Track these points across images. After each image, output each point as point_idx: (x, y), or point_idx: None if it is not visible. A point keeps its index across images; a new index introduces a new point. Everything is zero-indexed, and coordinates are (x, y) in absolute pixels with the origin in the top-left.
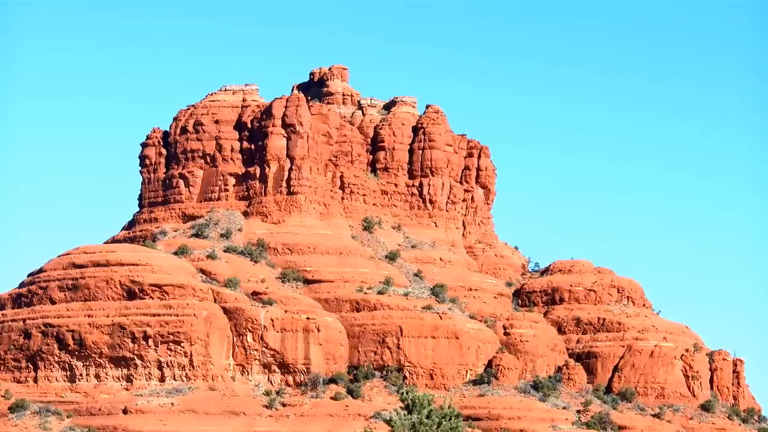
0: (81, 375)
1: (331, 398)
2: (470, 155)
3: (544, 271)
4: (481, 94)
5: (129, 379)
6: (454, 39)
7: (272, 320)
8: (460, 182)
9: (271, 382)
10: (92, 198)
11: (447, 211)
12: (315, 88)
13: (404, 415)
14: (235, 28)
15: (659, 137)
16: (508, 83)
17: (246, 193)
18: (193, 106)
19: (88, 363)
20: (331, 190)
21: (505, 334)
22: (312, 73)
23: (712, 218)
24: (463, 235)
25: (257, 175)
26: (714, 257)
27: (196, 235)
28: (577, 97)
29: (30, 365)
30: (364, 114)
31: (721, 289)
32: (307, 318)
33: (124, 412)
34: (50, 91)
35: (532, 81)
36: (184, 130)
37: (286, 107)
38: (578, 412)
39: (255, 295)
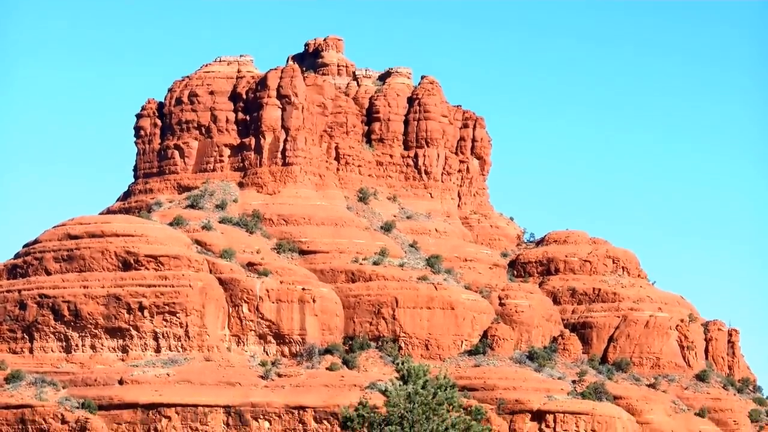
0: (77, 346)
1: (327, 369)
2: (465, 126)
3: (540, 242)
4: (477, 65)
5: (125, 349)
6: (450, 10)
7: (268, 291)
8: (456, 153)
9: (266, 352)
10: (87, 169)
11: (442, 182)
12: (310, 59)
13: (400, 385)
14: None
15: (655, 108)
16: (503, 54)
17: (241, 164)
18: (187, 77)
19: (83, 334)
20: (327, 161)
21: (501, 304)
22: (307, 44)
23: (708, 189)
24: (459, 205)
25: (252, 146)
26: (710, 228)
27: (192, 206)
28: (572, 68)
29: (25, 336)
30: (359, 85)
31: (716, 259)
32: (303, 289)
33: (120, 382)
34: (44, 63)
35: (527, 52)
36: (178, 102)
37: (281, 78)
38: (573, 382)
39: (250, 266)
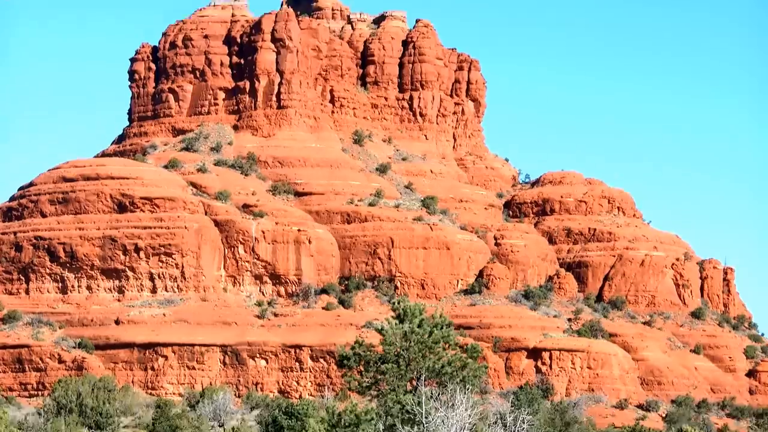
0: (73, 287)
1: (323, 308)
2: (460, 69)
3: (535, 183)
4: (471, 8)
5: (121, 290)
6: None
7: (263, 232)
8: (451, 95)
9: (262, 292)
10: (82, 113)
11: (437, 124)
12: (304, 3)
13: (395, 324)
14: None
15: (649, 48)
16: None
17: (236, 107)
18: (182, 21)
19: (79, 275)
20: (321, 104)
21: (496, 244)
22: None
23: (703, 127)
24: (454, 147)
25: (247, 90)
26: (705, 166)
27: (186, 149)
28: (567, 10)
29: (22, 277)
30: (353, 28)
31: (712, 198)
32: (298, 230)
33: (116, 323)
34: (39, 8)
35: None
36: (173, 45)
37: (275, 22)
38: (569, 320)
39: (246, 207)
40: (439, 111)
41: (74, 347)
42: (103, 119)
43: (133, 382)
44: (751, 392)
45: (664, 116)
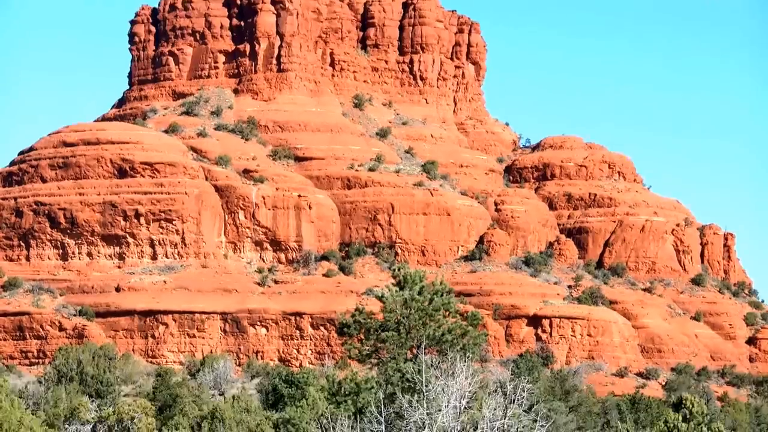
0: (73, 253)
1: (323, 275)
2: (461, 31)
3: (535, 147)
4: None
5: (121, 257)
6: None
7: (264, 198)
8: (451, 58)
9: (263, 259)
10: (82, 76)
11: (438, 87)
12: None
13: (396, 291)
14: None
15: (650, 12)
16: None
17: (236, 71)
18: None
19: (80, 241)
20: (322, 67)
21: (497, 210)
22: None
23: (704, 93)
24: (454, 111)
25: (247, 53)
26: (706, 132)
27: (187, 113)
28: None
29: (22, 243)
30: None
31: (712, 163)
32: (299, 195)
33: (117, 289)
34: None
35: None
36: (173, 8)
37: None
38: (569, 287)
39: (246, 172)
40: (439, 74)
41: (75, 315)
42: (104, 82)
43: (133, 350)
44: (751, 360)
45: (665, 81)
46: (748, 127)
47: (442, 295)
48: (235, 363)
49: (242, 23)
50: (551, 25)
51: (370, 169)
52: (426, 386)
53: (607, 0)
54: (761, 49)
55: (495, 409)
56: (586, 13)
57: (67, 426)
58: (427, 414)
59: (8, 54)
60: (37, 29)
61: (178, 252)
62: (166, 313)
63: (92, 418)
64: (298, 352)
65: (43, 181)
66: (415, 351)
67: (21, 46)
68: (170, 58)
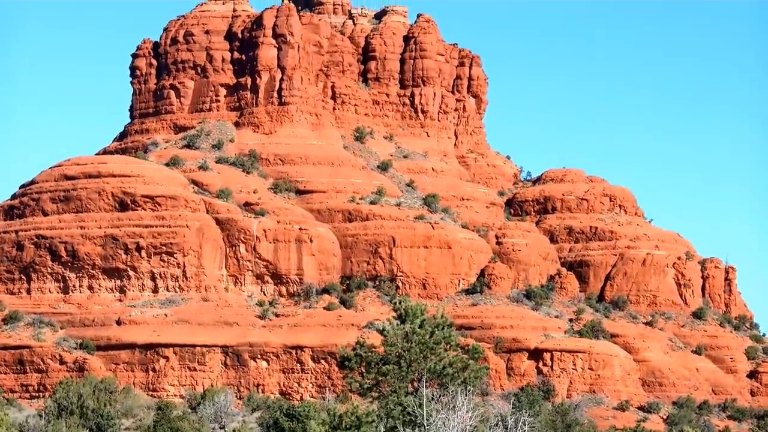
0: (74, 286)
1: (324, 308)
2: (462, 65)
3: (536, 180)
4: (473, 3)
5: (122, 290)
6: None
7: (265, 231)
8: (452, 92)
9: (264, 292)
10: (84, 109)
11: (439, 120)
12: None
13: (397, 324)
14: None
15: (651, 46)
16: None
17: (237, 104)
18: (183, 16)
19: (81, 274)
20: (323, 101)
21: (498, 243)
22: None
23: (704, 126)
24: (455, 144)
25: (248, 86)
26: (707, 165)
27: (188, 146)
28: (568, 6)
29: (23, 277)
30: (354, 24)
31: (713, 196)
32: (300, 228)
33: (118, 323)
34: (39, 3)
35: None
36: (174, 41)
37: (276, 17)
38: (570, 320)
39: (247, 205)
40: (440, 107)
41: (75, 348)
42: (105, 116)
43: (134, 383)
44: (752, 393)
45: (665, 114)
46: (748, 160)
47: (443, 329)
48: (236, 396)
49: (243, 57)
50: (553, 58)
51: (372, 203)
52: (427, 420)
53: (607, 33)
54: (761, 83)
55: None
56: (587, 47)
57: None
58: None
59: (8, 86)
60: (38, 61)
61: (179, 285)
62: (167, 346)
63: None
64: (299, 385)
65: (44, 214)
66: (416, 384)
67: (22, 79)
68: (171, 92)
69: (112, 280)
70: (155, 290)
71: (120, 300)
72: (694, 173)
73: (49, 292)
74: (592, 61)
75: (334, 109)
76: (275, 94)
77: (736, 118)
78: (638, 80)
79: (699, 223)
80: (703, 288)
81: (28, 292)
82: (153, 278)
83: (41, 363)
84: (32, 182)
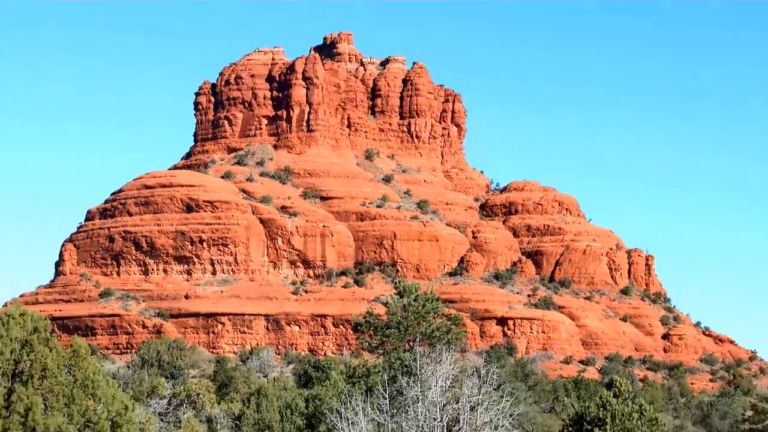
0: (152, 270)
1: (342, 287)
2: (447, 101)
3: (503, 190)
4: (455, 53)
5: (189, 272)
6: (434, 10)
7: (297, 228)
8: (439, 122)
9: (296, 274)
10: (158, 134)
11: (429, 144)
12: (327, 49)
13: (397, 299)
14: (266, 4)
15: (592, 80)
16: (477, 44)
17: (275, 131)
18: (234, 63)
19: (157, 261)
20: (340, 128)
21: (473, 237)
22: (325, 38)
23: (633, 139)
24: (441, 162)
25: (284, 117)
26: (634, 172)
27: (238, 163)
28: (534, 54)
29: (114, 262)
30: (365, 69)
31: (638, 200)
32: (323, 226)
33: (186, 297)
34: (129, 44)
35: (496, 44)
36: (227, 83)
37: (305, 65)
38: (528, 296)
39: (283, 209)
40: (430, 134)
41: (154, 316)
42: (174, 139)
43: (198, 342)
44: (665, 351)
45: (602, 130)
46: (668, 168)
47: (431, 302)
48: (275, 352)
49: (280, 95)
50: (517, 94)
51: (378, 206)
52: (419, 370)
53: (552, 77)
54: (681, 107)
55: (471, 388)
56: (541, 84)
57: (148, 400)
58: (420, 391)
59: (102, 115)
60: (125, 98)
61: (232, 269)
62: (222, 315)
63: (167, 394)
64: (323, 344)
65: (130, 215)
66: (411, 344)
67: (112, 110)
68: (225, 121)
69: (181, 265)
70: (214, 272)
71: (187, 280)
72: (625, 181)
73: (134, 274)
74: (545, 96)
75: (349, 135)
76: (304, 124)
77: (659, 130)
78: (580, 111)
79: (627, 221)
80: (629, 272)
81: (118, 274)
82: (212, 264)
83: (128, 327)
84: (120, 190)
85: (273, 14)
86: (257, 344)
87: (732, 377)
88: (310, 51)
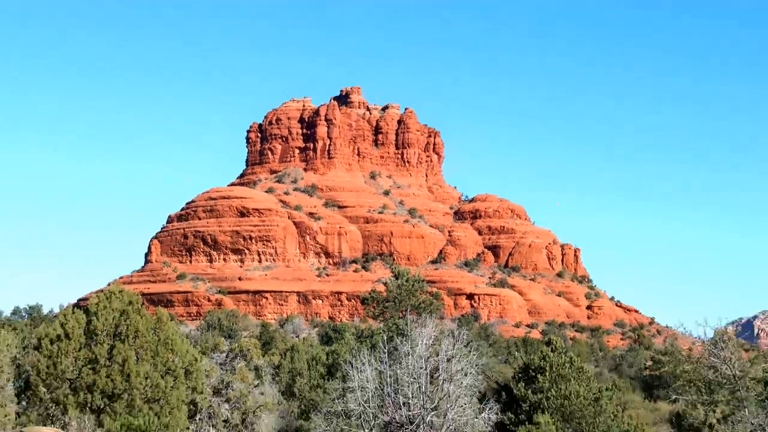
0: (215, 259)
1: (353, 271)
2: (430, 136)
3: (471, 201)
4: (437, 100)
5: (242, 261)
6: (419, 68)
7: (320, 228)
8: (424, 151)
9: (319, 263)
10: (221, 160)
11: (416, 167)
12: (343, 99)
13: (393, 280)
14: (298, 66)
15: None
16: (457, 93)
17: (305, 158)
18: (275, 109)
19: (219, 252)
20: (352, 156)
21: (449, 235)
22: (341, 90)
23: (569, 153)
24: (426, 180)
25: (311, 148)
26: (567, 186)
27: (278, 182)
28: (496, 97)
29: (187, 254)
30: (370, 113)
31: (569, 205)
32: (339, 227)
33: (239, 279)
34: (203, 96)
35: (470, 88)
36: (270, 123)
37: (327, 110)
38: (489, 278)
39: (311, 215)
40: (417, 160)
41: (216, 293)
42: (230, 164)
43: (248, 312)
44: (588, 317)
45: (548, 146)
46: (593, 180)
47: (418, 282)
48: (305, 320)
49: (308, 132)
50: (481, 131)
51: (379, 213)
52: (409, 332)
53: (508, 107)
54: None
55: (448, 345)
56: (504, 120)
57: (211, 354)
58: (410, 348)
59: (175, 146)
60: (196, 132)
61: (273, 258)
62: (266, 292)
63: (225, 349)
64: (339, 313)
65: (199, 219)
66: (403, 313)
67: (184, 142)
68: (268, 151)
69: (236, 256)
70: (260, 261)
71: (240, 266)
72: (560, 193)
73: (201, 262)
74: (504, 131)
75: (358, 161)
76: (326, 153)
77: (593, 141)
78: (531, 137)
79: (561, 223)
80: (562, 260)
81: (190, 262)
82: (258, 255)
83: (197, 301)
84: (192, 201)
85: (303, 70)
86: (291, 313)
87: (636, 337)
88: (330, 100)
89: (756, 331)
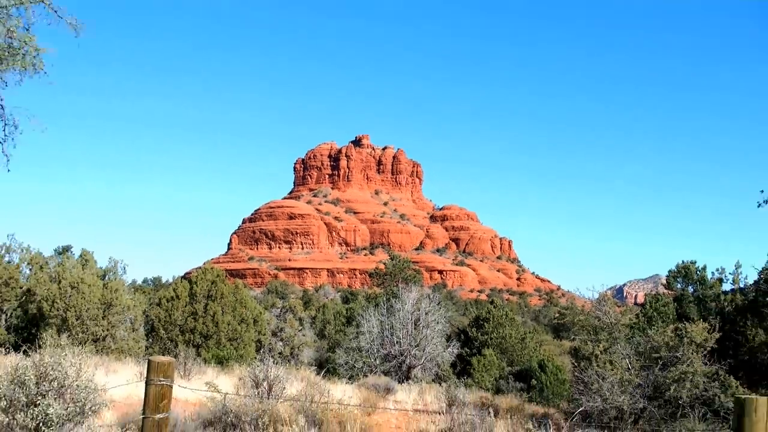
0: (273, 247)
1: (364, 255)
2: (414, 166)
3: (441, 209)
4: (420, 139)
5: (290, 248)
6: (408, 114)
7: (342, 227)
8: (411, 176)
9: (342, 250)
10: (277, 182)
11: (405, 187)
12: (357, 142)
13: (390, 261)
14: (329, 116)
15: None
16: (440, 134)
17: (332, 181)
18: (311, 149)
19: (275, 242)
20: (363, 180)
21: (426, 231)
22: (356, 136)
23: (519, 171)
24: (411, 195)
25: (337, 174)
26: (513, 187)
27: (314, 197)
28: (480, 125)
29: (255, 244)
30: (375, 151)
31: (504, 210)
32: (355, 227)
33: (288, 260)
34: (264, 132)
35: (443, 129)
36: (309, 158)
37: (347, 149)
38: (453, 259)
39: (336, 218)
40: (406, 182)
41: (274, 269)
42: (284, 184)
43: (295, 282)
44: (518, 285)
45: (499, 159)
46: (531, 186)
47: (406, 263)
48: (332, 287)
49: (334, 163)
50: (454, 159)
51: (381, 217)
52: (401, 295)
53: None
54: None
55: (426, 304)
56: (469, 150)
57: (271, 309)
58: (401, 305)
59: (238, 168)
60: (256, 167)
61: (311, 247)
62: (306, 269)
63: (279, 306)
64: (355, 284)
65: (263, 221)
66: (397, 283)
67: (250, 174)
68: (308, 176)
69: (287, 245)
70: (302, 248)
71: (289, 252)
72: (503, 202)
73: (264, 249)
74: (475, 153)
75: (367, 183)
76: (346, 178)
77: (533, 147)
78: (488, 159)
79: (501, 221)
80: (501, 248)
81: (257, 249)
82: (301, 245)
83: (262, 275)
84: (258, 209)
85: (332, 120)
86: (323, 283)
87: (549, 298)
88: (348, 143)
89: (624, 294)
